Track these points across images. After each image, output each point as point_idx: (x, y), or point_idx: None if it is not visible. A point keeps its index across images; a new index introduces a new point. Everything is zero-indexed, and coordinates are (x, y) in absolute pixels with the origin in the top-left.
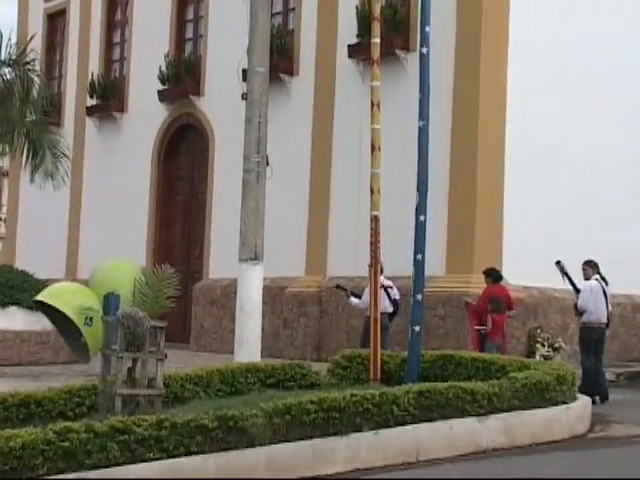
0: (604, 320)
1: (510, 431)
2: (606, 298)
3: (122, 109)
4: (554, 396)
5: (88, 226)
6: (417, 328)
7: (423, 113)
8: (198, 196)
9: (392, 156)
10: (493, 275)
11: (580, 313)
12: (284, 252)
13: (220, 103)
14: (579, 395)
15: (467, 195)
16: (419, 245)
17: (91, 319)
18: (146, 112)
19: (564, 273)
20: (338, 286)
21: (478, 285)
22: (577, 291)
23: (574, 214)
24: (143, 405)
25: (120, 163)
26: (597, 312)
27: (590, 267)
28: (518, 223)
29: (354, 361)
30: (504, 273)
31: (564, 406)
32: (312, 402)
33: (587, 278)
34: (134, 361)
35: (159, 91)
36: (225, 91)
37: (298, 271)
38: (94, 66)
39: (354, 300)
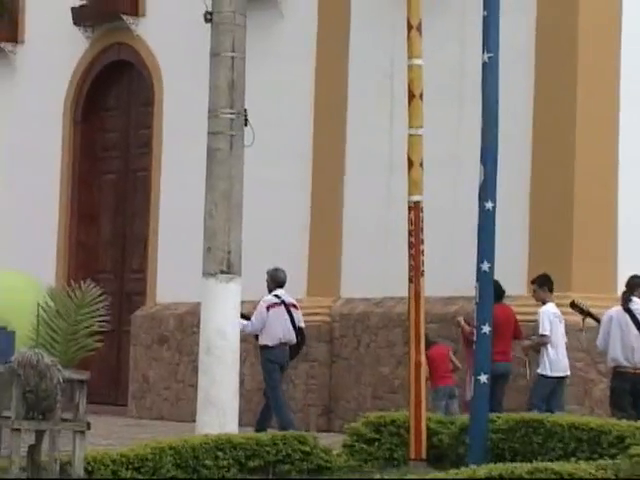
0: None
1: None
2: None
3: (15, 38)
4: None
5: None
6: (484, 378)
7: (490, 41)
8: (137, 174)
9: (441, 108)
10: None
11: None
12: (274, 261)
13: (171, 27)
14: None
15: (560, 167)
16: (485, 248)
17: None
18: (53, 42)
19: (587, 314)
20: None
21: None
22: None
23: None
24: None
25: (14, 123)
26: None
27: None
28: None
29: (385, 430)
30: (620, 286)
31: None
32: None
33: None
34: (38, 435)
35: (74, 9)
36: (178, 8)
37: (296, 290)
38: None
39: (240, 323)
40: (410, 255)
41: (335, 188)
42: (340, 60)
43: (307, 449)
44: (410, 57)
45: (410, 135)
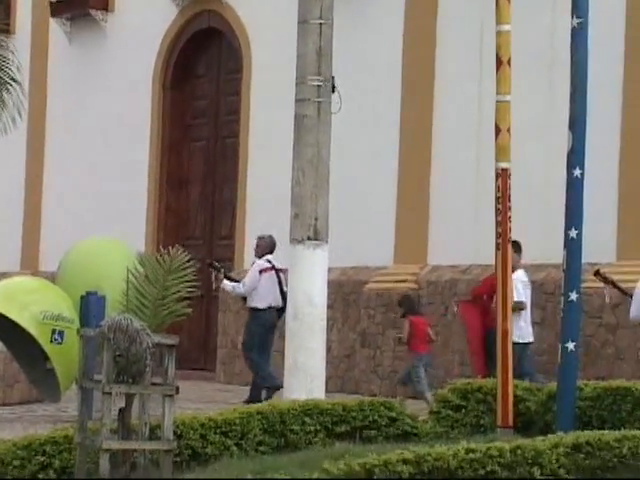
0: None
1: None
2: None
3: (106, 6)
4: None
5: (54, 191)
6: (571, 345)
7: (579, 5)
8: (226, 140)
9: (530, 75)
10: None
11: None
12: (361, 227)
13: None
14: None
15: None
16: (573, 215)
17: (61, 333)
18: (144, 10)
19: (610, 282)
20: (210, 264)
21: None
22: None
23: None
24: (143, 466)
25: (104, 91)
26: None
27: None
28: None
29: (472, 397)
30: None
31: None
32: (406, 461)
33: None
34: (129, 398)
35: None
36: None
37: (384, 257)
38: None
39: (228, 284)
40: (497, 222)
41: (423, 155)
42: (428, 26)
43: (394, 415)
44: (499, 23)
45: (498, 102)
